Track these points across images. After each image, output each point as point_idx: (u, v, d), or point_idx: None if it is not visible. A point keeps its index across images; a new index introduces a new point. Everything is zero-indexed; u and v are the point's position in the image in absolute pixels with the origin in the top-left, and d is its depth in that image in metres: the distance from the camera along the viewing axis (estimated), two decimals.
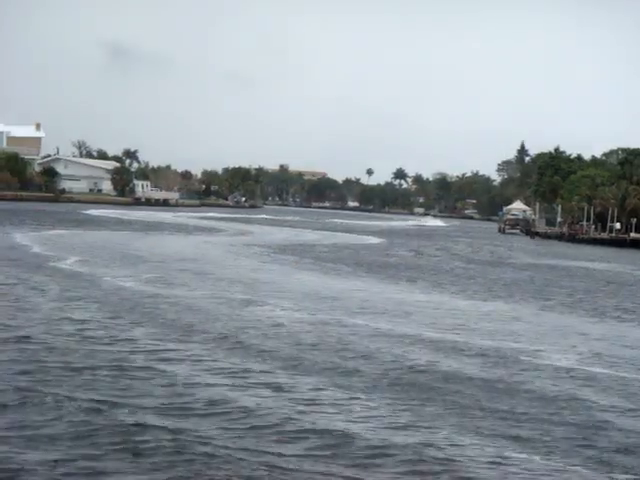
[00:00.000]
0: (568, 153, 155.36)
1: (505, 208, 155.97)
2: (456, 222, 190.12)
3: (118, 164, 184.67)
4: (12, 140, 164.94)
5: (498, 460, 12.66)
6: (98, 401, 14.22)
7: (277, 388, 16.19)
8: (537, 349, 22.49)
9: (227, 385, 16.16)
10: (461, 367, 19.43)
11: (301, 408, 14.78)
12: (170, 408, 14.22)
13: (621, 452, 13.59)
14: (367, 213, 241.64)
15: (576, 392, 17.63)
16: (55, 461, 11.34)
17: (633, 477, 12.43)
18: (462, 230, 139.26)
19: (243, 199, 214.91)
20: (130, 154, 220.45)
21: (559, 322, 29.20)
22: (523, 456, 12.92)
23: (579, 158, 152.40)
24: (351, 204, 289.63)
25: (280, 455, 12.19)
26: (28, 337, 19.43)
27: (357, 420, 14.29)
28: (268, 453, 12.22)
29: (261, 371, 17.62)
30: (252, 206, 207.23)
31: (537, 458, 12.88)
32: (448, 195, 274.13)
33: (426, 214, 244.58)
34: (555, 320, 29.70)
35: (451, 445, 13.22)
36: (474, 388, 17.38)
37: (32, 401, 13.93)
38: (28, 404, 13.78)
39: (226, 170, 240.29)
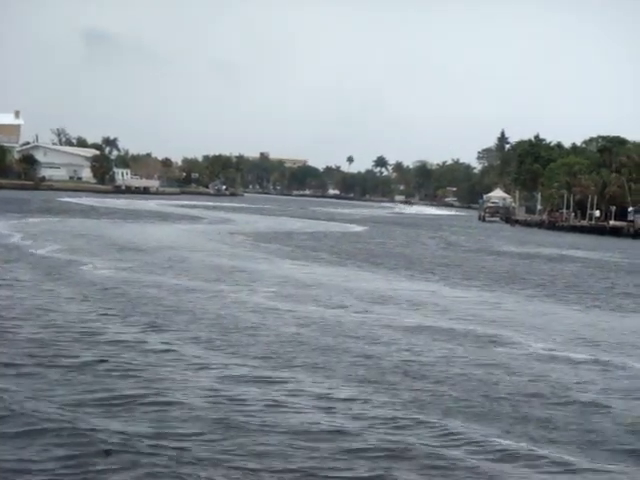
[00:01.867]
0: (548, 141, 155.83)
1: (485, 196, 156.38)
2: (437, 210, 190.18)
3: (98, 152, 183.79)
4: None
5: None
6: None
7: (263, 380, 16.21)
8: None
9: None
10: (430, 346, 19.50)
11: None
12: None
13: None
14: (348, 201, 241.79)
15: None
16: None
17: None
18: (440, 219, 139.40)
19: (224, 187, 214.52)
20: (110, 142, 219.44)
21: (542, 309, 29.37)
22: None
23: (559, 146, 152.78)
24: (332, 192, 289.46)
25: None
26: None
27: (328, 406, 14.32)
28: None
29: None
30: (232, 194, 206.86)
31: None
32: (428, 183, 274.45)
33: (408, 202, 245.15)
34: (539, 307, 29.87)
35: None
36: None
37: None
38: None
39: (207, 158, 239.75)
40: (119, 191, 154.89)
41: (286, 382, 15.75)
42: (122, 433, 11.94)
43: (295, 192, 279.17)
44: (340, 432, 12.78)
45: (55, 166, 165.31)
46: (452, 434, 13.08)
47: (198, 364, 16.74)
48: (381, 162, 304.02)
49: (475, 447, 12.50)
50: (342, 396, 14.94)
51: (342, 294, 29.05)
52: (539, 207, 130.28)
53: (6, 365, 15.46)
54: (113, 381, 14.95)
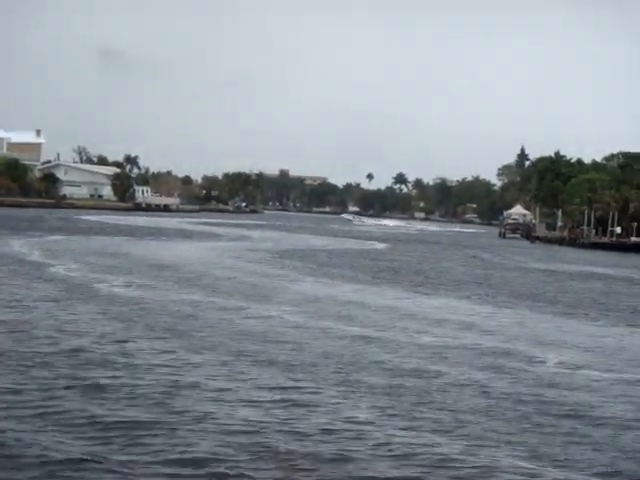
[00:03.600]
0: (568, 157, 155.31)
1: (505, 212, 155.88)
2: (456, 227, 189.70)
3: (118, 170, 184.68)
4: (12, 146, 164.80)
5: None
6: None
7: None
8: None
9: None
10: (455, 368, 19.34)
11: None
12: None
13: None
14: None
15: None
16: None
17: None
18: (457, 236, 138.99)
19: (243, 204, 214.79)
20: (130, 160, 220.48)
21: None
22: None
23: (579, 162, 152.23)
24: (351, 209, 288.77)
25: None
26: None
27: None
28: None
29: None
30: (253, 211, 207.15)
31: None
32: (448, 200, 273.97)
33: (426, 218, 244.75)
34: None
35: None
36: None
37: None
38: None
39: (226, 175, 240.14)
40: (139, 209, 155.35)
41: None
42: None
43: (315, 209, 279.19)
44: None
45: (76, 184, 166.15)
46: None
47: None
48: (401, 179, 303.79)
49: None
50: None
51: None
52: (560, 224, 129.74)
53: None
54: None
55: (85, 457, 11.82)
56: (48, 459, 11.68)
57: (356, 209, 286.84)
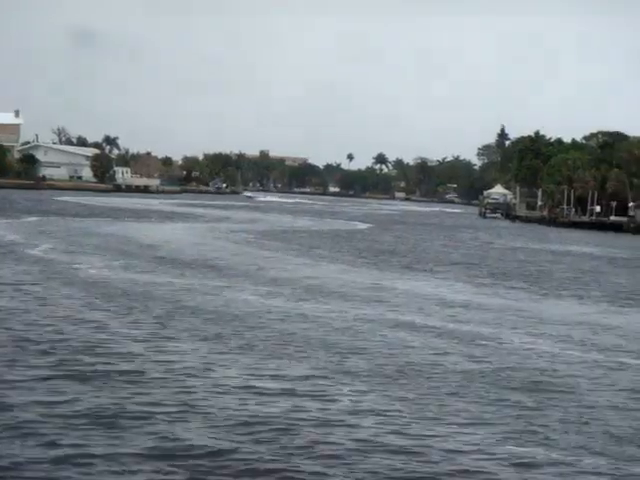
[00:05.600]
0: (548, 137, 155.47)
1: (486, 192, 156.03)
2: (435, 207, 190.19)
3: (98, 151, 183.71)
4: None
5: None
6: None
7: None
8: None
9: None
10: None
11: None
12: None
13: None
14: (348, 198, 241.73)
15: None
16: None
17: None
18: (433, 215, 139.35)
19: (224, 185, 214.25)
20: (110, 141, 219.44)
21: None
22: None
23: (559, 142, 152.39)
24: (332, 189, 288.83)
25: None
26: None
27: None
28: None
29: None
30: (233, 192, 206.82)
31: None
32: (429, 180, 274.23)
33: (406, 198, 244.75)
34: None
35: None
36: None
37: None
38: None
39: (207, 156, 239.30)
40: (119, 190, 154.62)
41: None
42: None
43: (296, 190, 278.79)
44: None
45: (55, 165, 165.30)
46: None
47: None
48: (381, 159, 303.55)
49: None
50: None
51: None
52: (540, 203, 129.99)
53: None
54: None
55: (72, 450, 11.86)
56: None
57: (337, 189, 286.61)
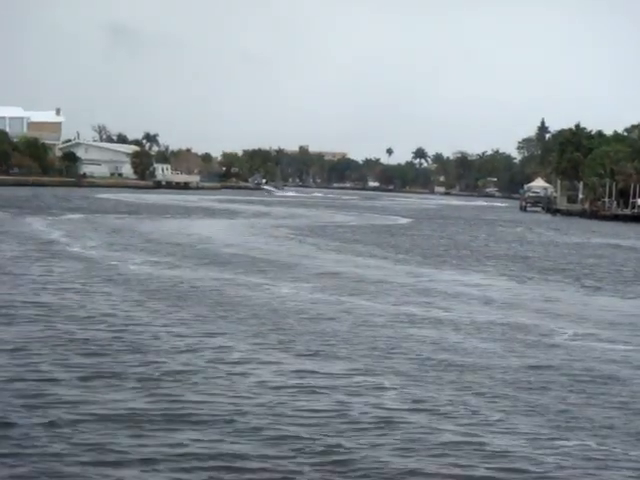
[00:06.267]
0: (589, 129, 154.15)
1: (526, 186, 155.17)
2: (475, 202, 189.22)
3: (138, 148, 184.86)
4: (33, 125, 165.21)
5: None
6: None
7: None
8: None
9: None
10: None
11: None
12: None
13: None
14: (387, 193, 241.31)
15: None
16: None
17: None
18: (475, 209, 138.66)
19: (263, 181, 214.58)
20: (150, 137, 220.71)
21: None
22: None
23: (600, 134, 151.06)
24: (371, 184, 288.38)
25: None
26: None
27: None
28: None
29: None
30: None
31: None
32: (469, 174, 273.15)
33: (446, 192, 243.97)
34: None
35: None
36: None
37: None
38: None
39: (246, 152, 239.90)
40: (159, 187, 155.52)
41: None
42: None
43: (335, 185, 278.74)
44: None
45: (96, 162, 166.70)
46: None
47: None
48: (420, 153, 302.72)
49: None
50: None
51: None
52: (581, 196, 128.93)
53: None
54: None
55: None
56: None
57: (376, 184, 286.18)
